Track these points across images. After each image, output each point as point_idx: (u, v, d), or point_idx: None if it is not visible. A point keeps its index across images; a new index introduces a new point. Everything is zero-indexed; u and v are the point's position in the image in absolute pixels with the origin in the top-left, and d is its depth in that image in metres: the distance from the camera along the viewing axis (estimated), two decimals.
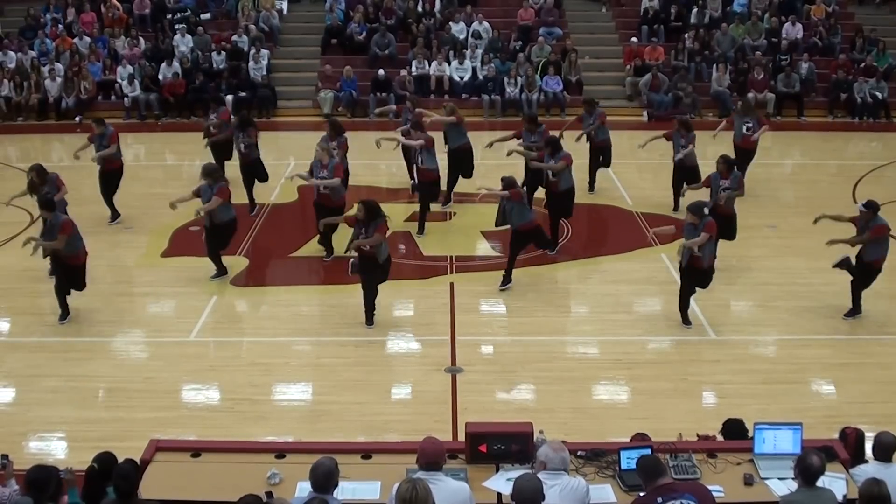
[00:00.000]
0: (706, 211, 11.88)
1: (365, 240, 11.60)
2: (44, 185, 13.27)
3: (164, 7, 25.85)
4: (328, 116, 23.11)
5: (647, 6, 25.86)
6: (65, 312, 12.09)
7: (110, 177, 15.62)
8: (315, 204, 14.03)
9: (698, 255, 11.47)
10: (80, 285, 12.14)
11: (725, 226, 12.90)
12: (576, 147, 16.19)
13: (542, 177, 14.60)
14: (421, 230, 15.06)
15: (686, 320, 11.91)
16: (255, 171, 15.99)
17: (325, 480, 6.06)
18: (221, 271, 13.38)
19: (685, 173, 15.70)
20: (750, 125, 16.60)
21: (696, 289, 11.88)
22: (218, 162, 16.34)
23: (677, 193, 15.89)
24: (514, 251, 13.06)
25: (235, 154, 16.16)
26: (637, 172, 17.37)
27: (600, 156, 17.11)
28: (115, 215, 15.71)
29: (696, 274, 11.66)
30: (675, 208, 15.95)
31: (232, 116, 17.99)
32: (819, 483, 6.28)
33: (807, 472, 6.19)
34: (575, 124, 17.43)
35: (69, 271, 11.99)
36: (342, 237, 14.24)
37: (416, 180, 15.69)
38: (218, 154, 16.85)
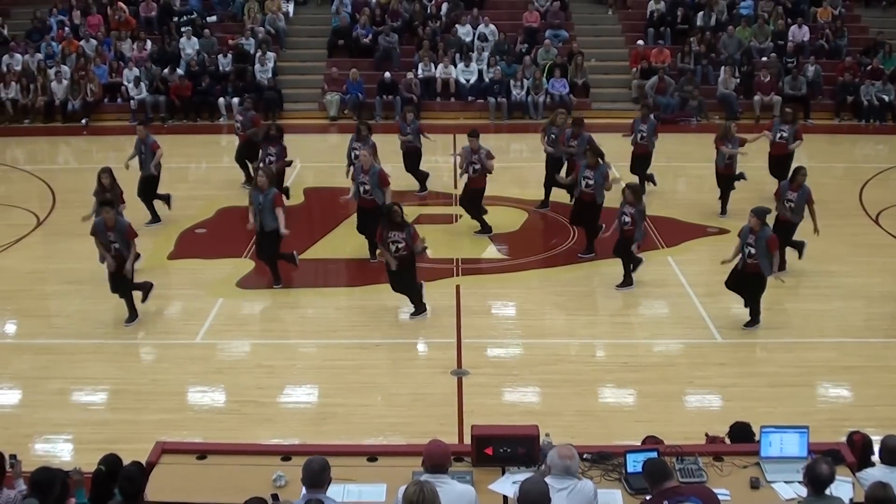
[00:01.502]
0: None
1: (419, 247, 12.07)
2: (114, 188, 13.33)
3: (170, 10, 25.89)
4: (334, 119, 23.24)
5: (653, 9, 25.85)
6: (132, 314, 12.15)
7: (151, 181, 15.64)
8: (359, 209, 14.05)
9: (754, 262, 11.53)
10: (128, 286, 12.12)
11: (786, 234, 13.00)
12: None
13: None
14: (487, 229, 15.20)
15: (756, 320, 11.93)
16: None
17: (319, 475, 6.08)
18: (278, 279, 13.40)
19: (725, 180, 15.86)
20: (785, 134, 16.36)
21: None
22: (240, 160, 17.03)
23: (725, 199, 15.94)
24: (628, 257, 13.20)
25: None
26: None
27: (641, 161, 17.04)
28: (155, 218, 15.72)
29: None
30: (723, 212, 15.93)
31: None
32: (826, 490, 6.26)
33: (816, 480, 6.16)
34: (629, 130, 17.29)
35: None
36: (346, 237, 14.29)
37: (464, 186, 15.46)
38: (246, 153, 17.24)
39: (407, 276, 12.20)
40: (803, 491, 6.47)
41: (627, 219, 12.79)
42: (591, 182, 13.99)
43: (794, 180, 13.17)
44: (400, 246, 11.91)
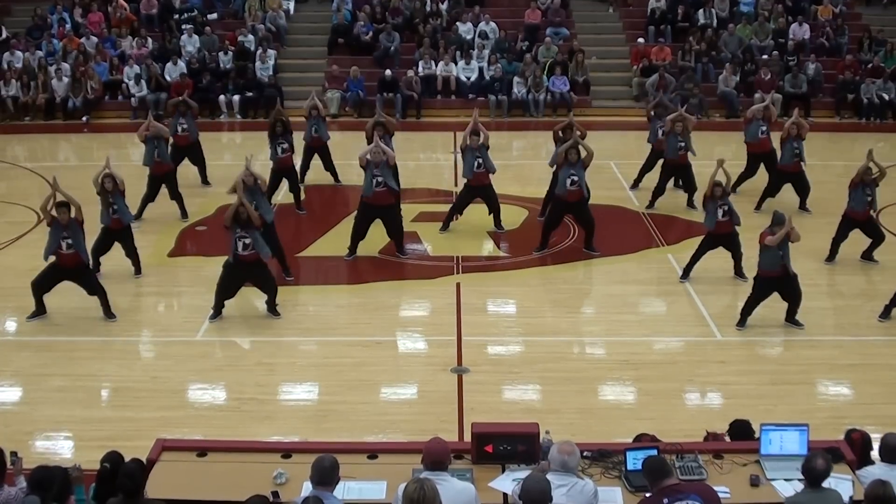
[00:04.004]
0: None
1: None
2: (115, 190, 13.28)
3: (171, 7, 25.90)
4: (335, 117, 23.24)
5: (653, 6, 25.86)
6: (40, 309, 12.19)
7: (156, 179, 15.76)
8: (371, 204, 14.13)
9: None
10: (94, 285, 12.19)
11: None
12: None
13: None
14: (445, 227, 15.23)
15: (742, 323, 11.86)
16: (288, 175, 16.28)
17: (329, 473, 6.10)
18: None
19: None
20: (764, 128, 16.84)
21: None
22: (176, 163, 16.61)
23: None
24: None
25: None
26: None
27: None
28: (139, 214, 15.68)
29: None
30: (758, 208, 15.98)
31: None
32: (825, 484, 6.27)
33: (810, 473, 6.20)
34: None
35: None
36: (346, 234, 14.31)
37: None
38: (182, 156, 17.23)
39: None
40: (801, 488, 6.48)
41: None
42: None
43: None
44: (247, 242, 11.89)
